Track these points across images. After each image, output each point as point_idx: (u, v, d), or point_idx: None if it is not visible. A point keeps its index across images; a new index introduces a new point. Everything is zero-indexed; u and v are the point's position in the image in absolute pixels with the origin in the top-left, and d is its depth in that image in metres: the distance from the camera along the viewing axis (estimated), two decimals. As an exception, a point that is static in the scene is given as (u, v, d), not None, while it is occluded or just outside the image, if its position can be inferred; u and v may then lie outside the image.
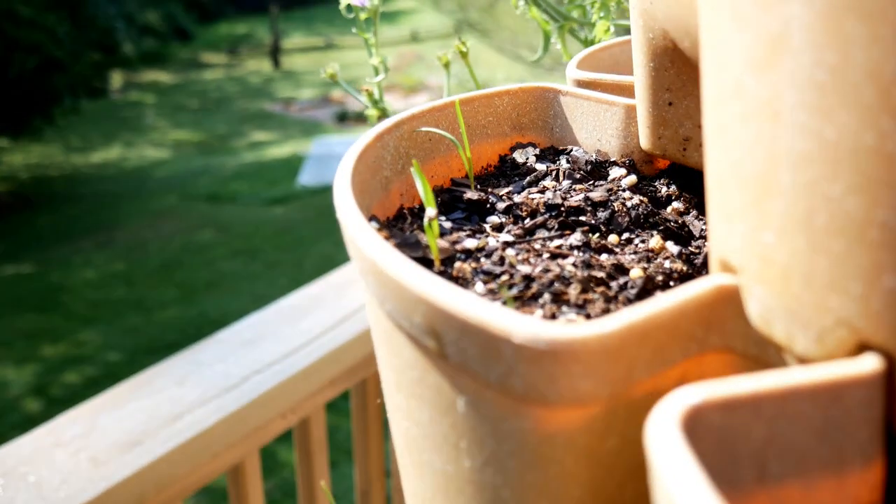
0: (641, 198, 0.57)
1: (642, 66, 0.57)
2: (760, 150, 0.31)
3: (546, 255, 0.48)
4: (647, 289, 0.46)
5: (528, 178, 0.60)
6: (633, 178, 0.59)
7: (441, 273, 0.46)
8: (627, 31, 1.08)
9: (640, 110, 0.59)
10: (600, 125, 0.63)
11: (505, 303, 0.43)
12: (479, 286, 0.45)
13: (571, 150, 0.64)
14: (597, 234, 0.53)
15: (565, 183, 0.59)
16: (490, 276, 0.46)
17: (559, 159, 0.63)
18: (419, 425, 0.42)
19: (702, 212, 0.58)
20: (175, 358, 1.29)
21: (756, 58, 0.31)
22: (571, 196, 0.56)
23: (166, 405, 1.17)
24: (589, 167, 0.61)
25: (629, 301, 0.45)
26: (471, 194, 0.56)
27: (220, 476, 1.23)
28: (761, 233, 0.33)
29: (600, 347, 0.32)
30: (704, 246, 0.54)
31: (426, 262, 0.47)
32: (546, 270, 0.46)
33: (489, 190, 0.58)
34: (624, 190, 0.58)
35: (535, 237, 0.51)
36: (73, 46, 11.12)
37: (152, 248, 7.56)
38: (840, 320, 0.31)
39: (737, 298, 0.36)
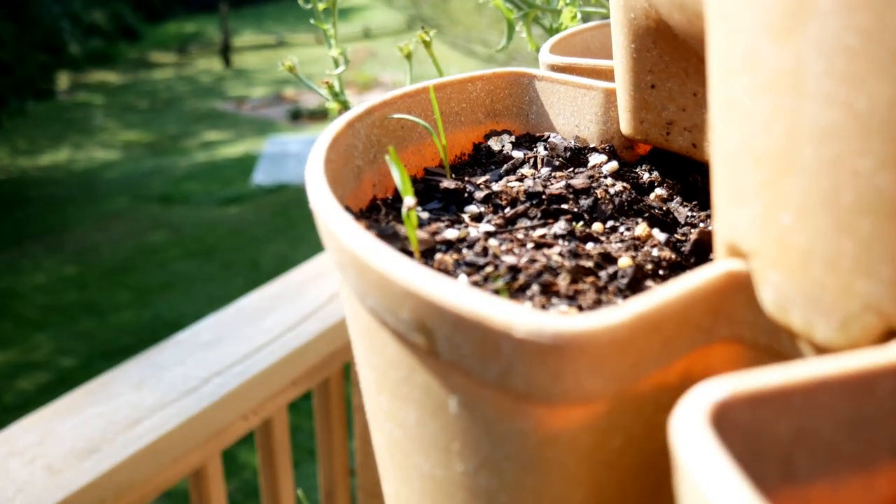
0: (624, 184, 0.54)
1: (623, 48, 0.55)
2: (779, 125, 0.29)
3: (530, 245, 0.46)
4: (638, 278, 0.44)
5: (505, 166, 0.57)
6: (614, 165, 0.57)
7: (421, 265, 0.43)
8: (600, 18, 1.06)
9: (621, 94, 0.56)
10: (578, 110, 0.61)
11: (497, 293, 0.40)
12: (463, 278, 0.42)
13: (549, 137, 0.61)
14: (581, 223, 0.50)
15: (544, 170, 0.57)
16: (474, 268, 0.43)
17: (536, 146, 0.61)
18: (404, 427, 0.39)
19: (685, 198, 0.56)
20: (132, 361, 1.26)
21: (775, 23, 0.28)
22: (552, 184, 0.54)
23: (124, 410, 1.14)
24: (568, 154, 0.58)
25: (620, 291, 0.43)
26: (447, 183, 0.53)
27: (181, 480, 1.19)
28: (778, 213, 0.30)
29: (609, 340, 0.29)
30: (690, 233, 0.52)
31: (405, 255, 0.44)
32: (532, 261, 0.43)
33: (466, 179, 0.55)
34: (606, 177, 0.56)
35: (517, 226, 0.49)
36: (17, 48, 10.93)
37: (104, 250, 7.44)
38: (867, 305, 0.28)
39: (748, 285, 0.33)
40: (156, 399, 1.16)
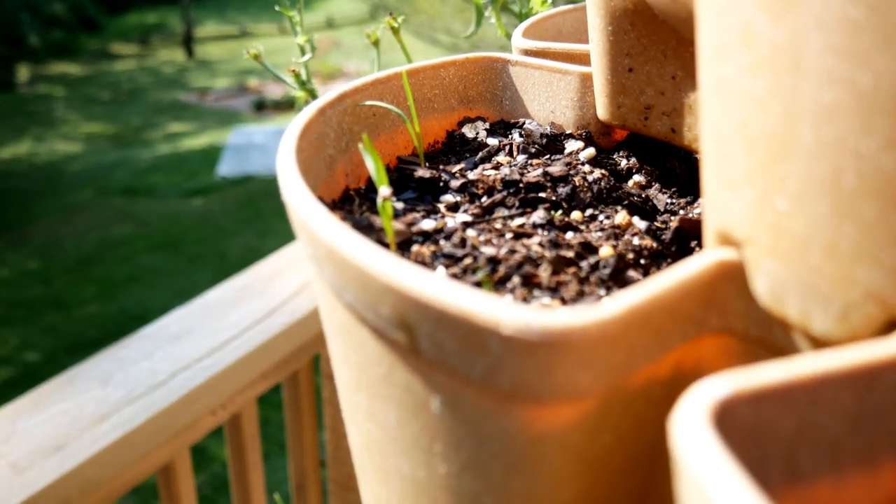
0: (602, 171, 0.53)
1: (599, 31, 0.53)
2: (775, 105, 0.28)
3: (509, 235, 0.45)
4: (620, 268, 0.43)
5: (480, 154, 0.56)
6: (591, 151, 0.56)
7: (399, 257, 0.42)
8: (564, 2, 1.04)
9: (598, 78, 0.55)
10: (553, 96, 0.59)
11: (480, 286, 0.39)
12: (441, 271, 0.41)
13: (524, 124, 0.60)
14: (559, 211, 0.49)
15: (520, 158, 0.55)
16: (452, 260, 0.42)
17: (511, 133, 0.59)
18: (384, 428, 0.38)
19: (664, 185, 0.55)
20: (98, 356, 1.23)
21: (772, -2, 0.27)
22: (529, 171, 0.52)
23: (90, 406, 1.11)
24: (544, 140, 0.57)
25: (602, 282, 0.42)
26: (422, 172, 0.51)
27: (149, 476, 1.18)
28: (774, 199, 0.29)
29: (601, 335, 0.28)
30: (671, 220, 0.51)
31: (381, 247, 0.42)
32: (512, 251, 0.42)
33: (440, 167, 0.54)
34: (583, 164, 0.54)
35: (494, 216, 0.47)
36: (-25, 40, 10.77)
37: (68, 244, 7.35)
38: (869, 294, 0.27)
39: (740, 274, 0.32)
40: (122, 395, 1.14)
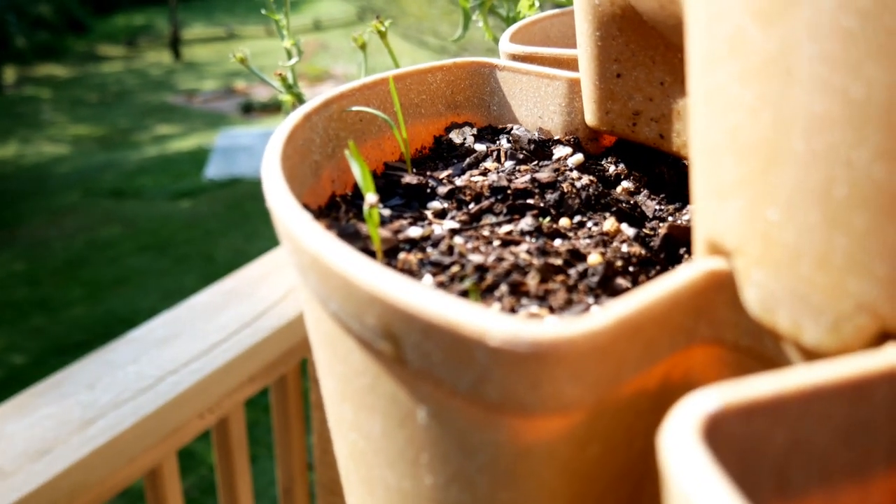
0: (590, 178, 0.53)
1: (587, 36, 0.53)
2: (766, 114, 0.27)
3: (497, 243, 0.44)
4: (608, 276, 0.42)
5: (467, 160, 0.55)
6: (579, 157, 0.55)
7: (385, 266, 0.41)
8: (552, 6, 1.04)
9: (586, 84, 0.55)
10: (541, 101, 0.59)
11: (467, 294, 0.38)
12: (428, 279, 0.40)
13: (512, 129, 0.59)
14: (548, 218, 0.49)
15: (508, 164, 0.55)
16: (439, 268, 0.41)
17: (499, 139, 0.59)
18: (369, 438, 0.37)
19: (653, 191, 0.54)
20: (85, 360, 1.22)
21: (763, 5, 0.26)
22: (517, 178, 0.52)
23: (77, 410, 1.11)
24: (532, 146, 0.56)
25: (591, 290, 0.41)
26: (409, 178, 0.51)
27: (136, 480, 1.17)
28: (764, 209, 0.29)
29: (590, 347, 0.28)
30: (659, 227, 0.51)
31: (367, 255, 0.42)
32: (500, 259, 0.42)
33: (428, 173, 0.53)
34: (571, 170, 0.54)
35: (482, 223, 0.47)
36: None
37: (55, 246, 7.32)
38: (860, 305, 0.27)
39: (730, 284, 0.32)
40: (109, 398, 1.14)
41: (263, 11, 1.01)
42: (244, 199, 8.06)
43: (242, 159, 8.93)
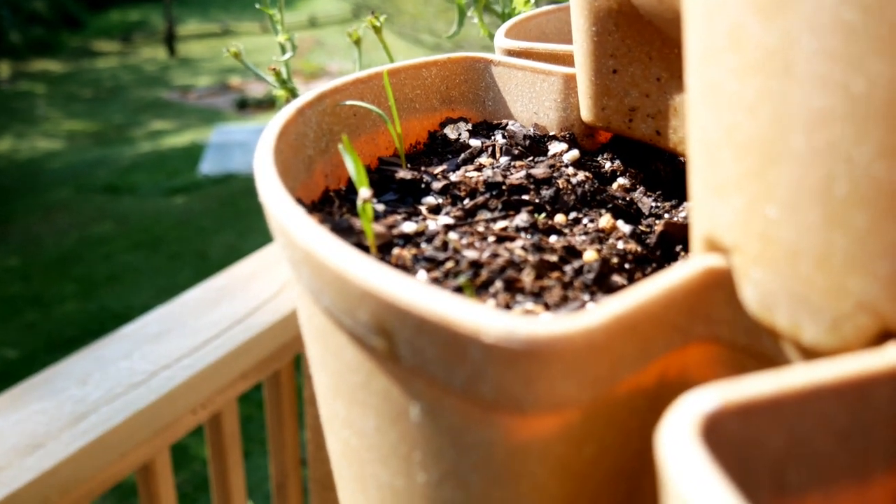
0: (586, 174, 0.52)
1: (583, 32, 0.52)
2: (765, 110, 0.27)
3: (492, 239, 0.44)
4: (604, 272, 0.42)
5: (462, 156, 0.55)
6: (575, 153, 0.55)
7: (379, 261, 0.41)
8: (548, 2, 1.03)
9: (582, 80, 0.54)
10: (537, 97, 0.58)
11: (461, 290, 0.38)
12: (422, 275, 0.40)
13: (507, 125, 0.59)
14: (543, 214, 0.48)
15: (503, 159, 0.54)
16: (433, 264, 0.41)
17: (494, 134, 0.58)
18: (362, 435, 0.37)
19: (649, 188, 0.54)
20: (77, 355, 1.22)
21: (763, -1, 0.26)
22: (512, 174, 0.51)
23: (69, 405, 1.10)
24: (527, 142, 0.56)
25: (586, 287, 0.41)
26: (403, 173, 0.51)
27: (129, 475, 1.16)
28: (763, 206, 0.28)
29: (586, 344, 0.27)
30: (655, 224, 0.50)
31: (361, 250, 0.41)
32: (495, 255, 0.41)
33: (422, 169, 0.53)
34: (567, 166, 0.54)
35: (476, 219, 0.47)
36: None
37: (48, 241, 7.30)
38: (860, 305, 0.26)
39: (728, 282, 0.31)
40: (101, 394, 1.13)
41: (258, 6, 1.01)
42: (238, 195, 8.05)
43: (237, 156, 8.91)
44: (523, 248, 0.42)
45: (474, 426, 0.30)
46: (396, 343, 0.30)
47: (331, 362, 0.37)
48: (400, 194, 0.50)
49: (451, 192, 0.49)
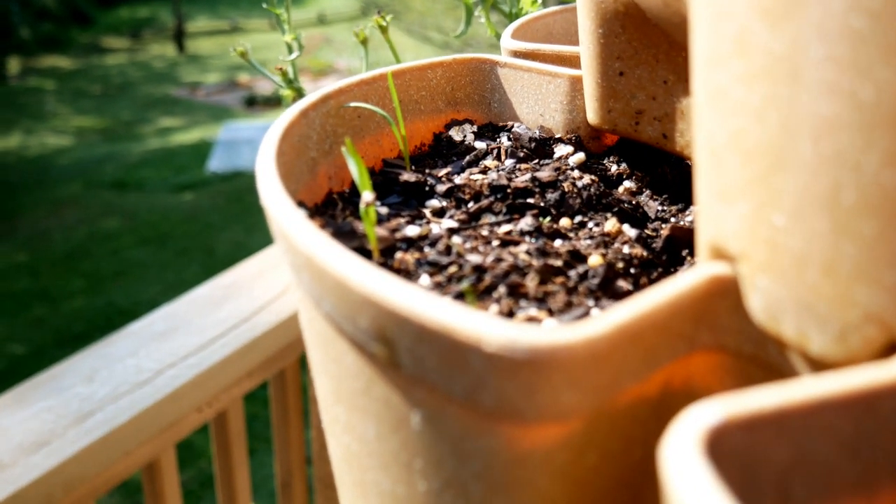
0: (592, 177, 0.52)
1: (590, 34, 0.52)
2: (772, 117, 0.26)
3: (496, 243, 0.43)
4: (609, 277, 0.42)
5: (467, 158, 0.55)
6: (581, 156, 0.54)
7: (381, 265, 0.40)
8: (555, 2, 1.03)
9: (588, 82, 0.54)
10: (543, 99, 0.58)
11: (463, 296, 0.37)
12: (425, 279, 0.40)
13: (512, 127, 0.59)
14: (548, 218, 0.48)
15: (508, 162, 0.54)
16: (436, 268, 0.40)
17: (499, 137, 0.58)
18: (363, 442, 0.37)
19: (655, 191, 0.53)
20: (83, 353, 1.22)
21: (770, 4, 0.26)
22: (517, 176, 0.51)
23: (75, 403, 1.10)
24: (533, 145, 0.56)
25: (591, 292, 0.40)
26: (407, 176, 0.50)
27: (134, 473, 1.16)
28: (770, 214, 0.28)
29: (588, 354, 0.27)
30: (662, 228, 0.50)
31: (363, 254, 0.41)
32: (498, 260, 0.41)
33: (426, 171, 0.52)
34: (572, 169, 0.53)
35: (481, 222, 0.46)
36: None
37: (56, 237, 7.32)
38: (868, 315, 0.26)
39: (733, 290, 0.31)
40: (107, 392, 1.13)
41: (265, 6, 1.01)
42: (246, 192, 8.05)
43: (245, 153, 8.92)
44: (527, 252, 0.42)
45: (475, 435, 0.30)
46: (397, 351, 0.30)
47: (331, 367, 0.37)
48: (404, 197, 0.49)
49: (455, 196, 0.49)
